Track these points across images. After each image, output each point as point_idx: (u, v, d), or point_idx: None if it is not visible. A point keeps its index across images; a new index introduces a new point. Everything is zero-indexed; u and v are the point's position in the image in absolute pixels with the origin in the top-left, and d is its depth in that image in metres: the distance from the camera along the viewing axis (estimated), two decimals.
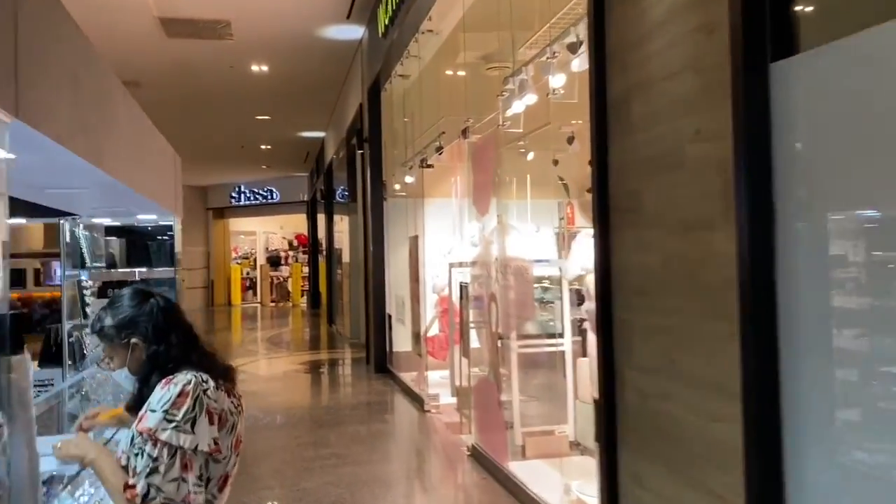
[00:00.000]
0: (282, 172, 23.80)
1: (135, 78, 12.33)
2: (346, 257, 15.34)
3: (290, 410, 7.81)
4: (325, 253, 17.69)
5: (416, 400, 8.00)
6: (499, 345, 5.64)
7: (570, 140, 8.18)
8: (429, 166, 7.80)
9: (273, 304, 26.02)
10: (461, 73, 8.16)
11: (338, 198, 17.89)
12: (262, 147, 18.98)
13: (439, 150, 7.80)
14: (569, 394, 5.95)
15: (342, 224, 16.51)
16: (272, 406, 8.10)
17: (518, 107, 5.48)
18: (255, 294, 27.52)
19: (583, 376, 5.96)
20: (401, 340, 9.69)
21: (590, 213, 7.29)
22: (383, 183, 10.24)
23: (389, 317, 9.94)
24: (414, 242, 8.19)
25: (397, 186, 10.19)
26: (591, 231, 5.18)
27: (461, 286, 6.92)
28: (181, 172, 6.97)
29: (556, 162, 9.67)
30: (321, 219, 21.88)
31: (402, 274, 9.84)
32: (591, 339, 5.06)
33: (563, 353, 5.97)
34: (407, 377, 9.11)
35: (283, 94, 13.69)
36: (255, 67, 12.00)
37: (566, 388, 5.94)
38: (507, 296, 5.33)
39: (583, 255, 5.09)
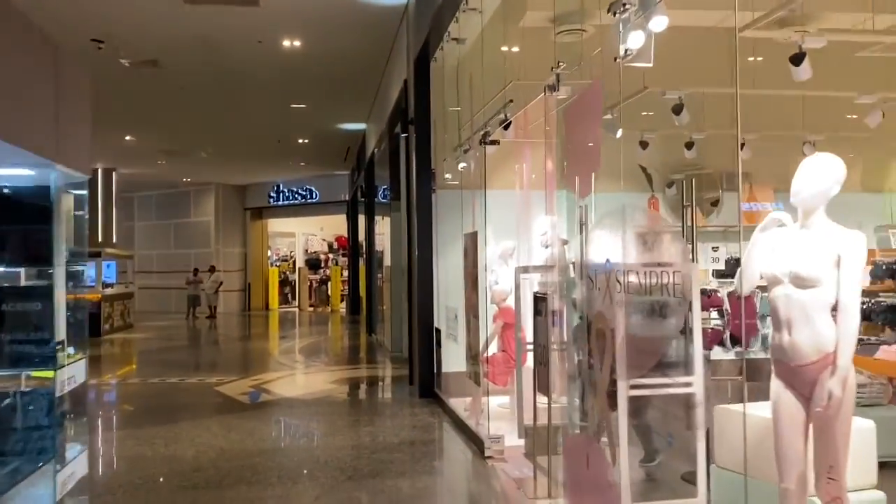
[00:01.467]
0: (321, 171, 22.31)
1: (152, 55, 10.86)
2: (387, 261, 13.70)
3: (314, 451, 6.14)
4: (365, 256, 16.07)
5: (473, 440, 6.26)
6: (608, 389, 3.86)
7: (678, 109, 6.38)
8: (493, 142, 6.07)
9: (311, 309, 24.54)
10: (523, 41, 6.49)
11: (379, 198, 16.28)
12: (300, 141, 17.47)
13: (506, 124, 6.07)
14: (699, 454, 4.14)
15: (383, 225, 14.88)
16: (294, 444, 6.45)
17: (636, 40, 3.72)
18: (293, 298, 26.10)
19: (727, 431, 4.15)
20: (451, 359, 7.96)
21: (680, 209, 5.42)
22: (432, 171, 8.53)
23: (438, 332, 8.21)
24: (472, 241, 6.46)
25: (448, 176, 8.48)
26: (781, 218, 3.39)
27: (536, 297, 5.15)
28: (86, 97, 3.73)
29: (644, 144, 7.90)
30: (362, 220, 20.32)
31: (453, 280, 8.11)
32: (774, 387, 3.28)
33: (690, 396, 4.16)
34: (459, 405, 7.39)
35: (319, 75, 12.10)
36: (286, 42, 10.41)
37: (695, 445, 4.14)
38: (637, 320, 3.55)
39: (776, 256, 3.29)
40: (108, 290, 17.42)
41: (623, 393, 3.97)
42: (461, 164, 7.95)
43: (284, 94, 13.30)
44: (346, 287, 23.57)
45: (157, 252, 25.93)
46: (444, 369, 8.11)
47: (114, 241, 21.68)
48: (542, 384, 4.98)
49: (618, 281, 3.50)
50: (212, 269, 22.43)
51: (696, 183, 5.03)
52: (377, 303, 15.39)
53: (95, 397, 9.03)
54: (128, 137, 16.74)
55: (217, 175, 23.28)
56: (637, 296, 3.48)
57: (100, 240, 20.85)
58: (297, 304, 25.33)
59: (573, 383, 5.07)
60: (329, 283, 24.88)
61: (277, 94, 13.23)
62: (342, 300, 24.08)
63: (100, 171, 21.03)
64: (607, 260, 3.62)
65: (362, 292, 20.94)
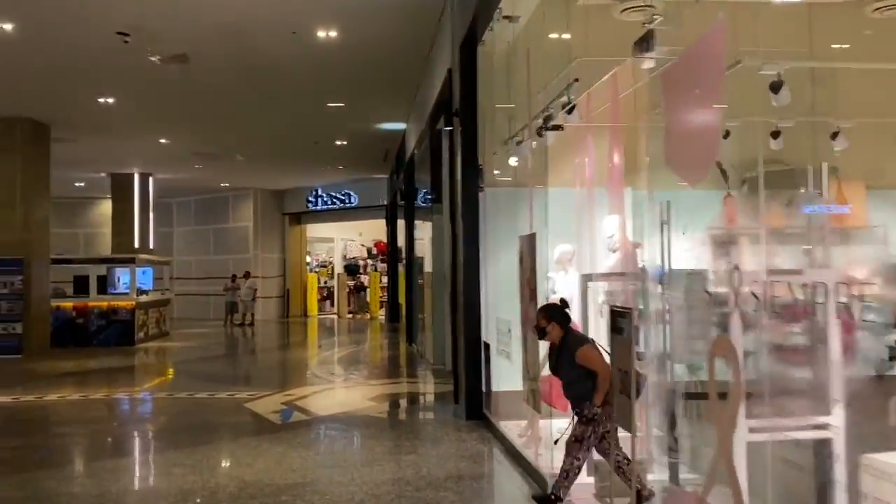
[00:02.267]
0: (360, 174, 21.61)
1: (180, 49, 10.20)
2: (427, 266, 12.87)
3: (349, 486, 5.29)
4: (404, 262, 15.27)
5: (531, 474, 5.36)
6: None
7: (777, 86, 5.39)
8: (555, 127, 5.18)
9: (350, 316, 23.84)
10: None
11: (419, 201, 15.47)
12: (338, 143, 16.75)
13: (569, 107, 5.17)
14: None
15: (424, 229, 14.06)
16: (327, 477, 5.63)
17: None
18: (331, 304, 25.44)
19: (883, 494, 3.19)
20: (503, 377, 7.07)
21: (759, 209, 4.42)
22: (479, 168, 7.66)
23: (487, 346, 7.33)
24: (528, 245, 5.57)
25: (497, 172, 7.61)
26: None
27: (615, 312, 4.23)
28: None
29: (725, 134, 6.89)
30: (401, 225, 19.54)
31: (505, 289, 7.22)
32: None
33: (827, 442, 3.22)
34: (512, 429, 6.51)
35: (356, 69, 11.34)
36: (321, 33, 9.66)
37: None
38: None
39: None
40: (143, 298, 16.89)
41: (742, 435, 3.06)
42: (512, 159, 7.08)
43: (320, 92, 12.58)
44: (386, 294, 22.82)
45: (195, 258, 25.53)
46: (495, 388, 7.21)
47: (151, 246, 21.26)
48: (623, 417, 4.07)
49: (754, 295, 2.58)
50: (247, 276, 21.82)
51: (774, 179, 4.09)
52: (417, 311, 14.56)
53: (117, 414, 8.34)
54: (162, 140, 16.22)
55: (255, 180, 22.75)
56: (777, 313, 2.59)
57: (136, 245, 20.44)
58: (335, 310, 24.65)
59: (666, 415, 4.16)
60: (368, 290, 24.14)
61: (313, 91, 12.52)
62: (381, 307, 23.35)
63: (136, 175, 20.64)
64: (735, 267, 2.70)
65: (401, 299, 20.18)
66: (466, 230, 7.67)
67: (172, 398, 9.32)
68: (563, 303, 4.85)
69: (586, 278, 5.25)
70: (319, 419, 7.77)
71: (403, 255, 15.21)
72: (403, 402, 8.94)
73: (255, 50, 10.44)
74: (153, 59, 10.43)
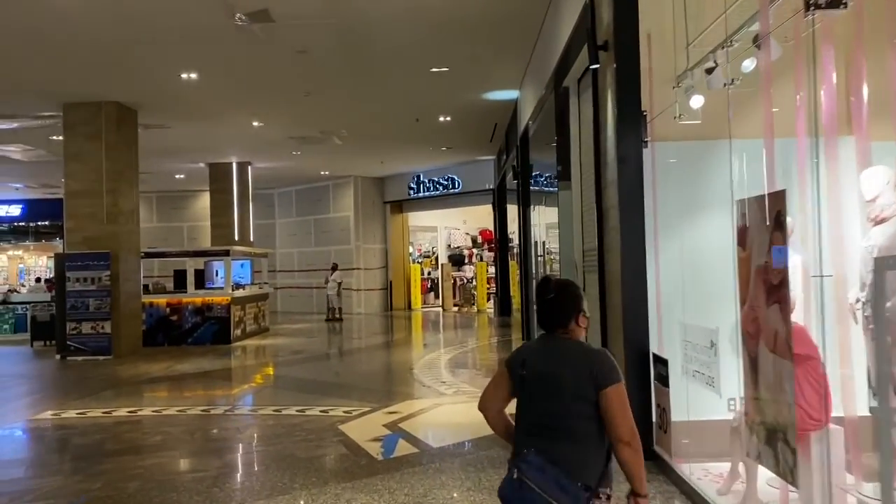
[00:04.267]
0: (464, 156, 19.68)
1: (263, 3, 8.52)
2: (550, 254, 10.81)
3: None
4: (520, 250, 13.20)
5: None
6: None
7: None
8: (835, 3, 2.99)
9: (456, 310, 22.01)
10: None
11: (537, 182, 13.39)
12: (441, 119, 14.86)
13: None
14: None
15: (543, 214, 11.99)
16: None
17: None
18: (436, 297, 23.73)
19: None
20: (691, 403, 4.92)
21: None
22: (643, 114, 5.51)
23: (661, 362, 5.17)
24: (763, 209, 3.41)
25: (679, 116, 5.43)
26: None
27: None
28: None
29: None
30: (510, 210, 17.49)
31: (689, 280, 5.09)
32: None
33: None
34: (701, 476, 4.40)
35: (463, 26, 9.39)
36: None
37: None
38: None
39: None
40: (239, 292, 15.62)
41: None
42: (696, 98, 4.93)
43: (423, 55, 10.70)
44: (493, 285, 20.86)
45: (297, 250, 24.42)
46: (676, 417, 5.06)
47: (251, 238, 20.16)
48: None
49: None
50: (333, 268, 20.29)
51: None
52: (534, 304, 12.48)
53: (195, 438, 6.72)
54: (255, 123, 14.81)
55: (355, 167, 21.25)
56: None
57: (236, 238, 19.36)
58: (440, 303, 22.90)
59: None
60: (474, 281, 22.24)
61: (414, 55, 10.65)
62: (489, 299, 21.40)
63: (234, 165, 19.53)
64: None
65: (513, 292, 18.14)
66: (625, 200, 5.53)
67: (257, 416, 7.67)
68: None
69: (885, 264, 3.02)
70: (432, 454, 5.84)
71: (520, 241, 13.13)
72: None
73: (349, 5, 8.66)
74: (237, 17, 8.82)
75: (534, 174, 13.23)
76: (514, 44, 10.38)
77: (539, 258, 11.31)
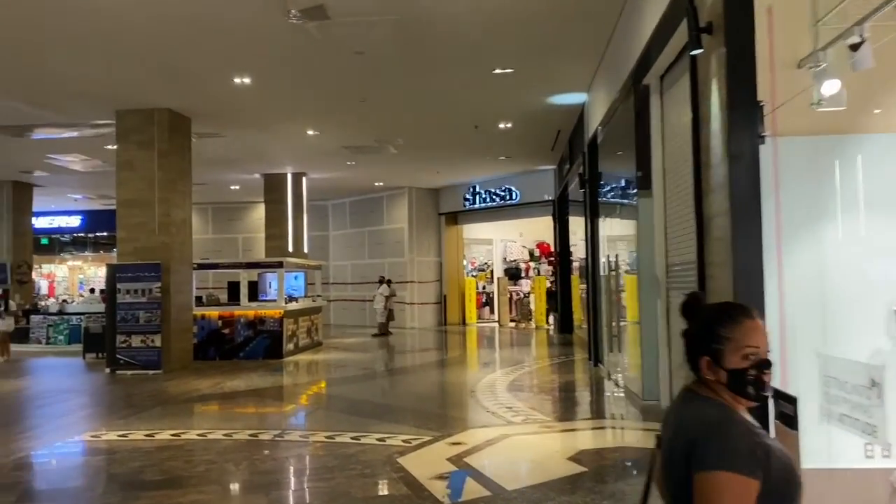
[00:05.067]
0: (523, 166, 18.87)
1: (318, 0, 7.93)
2: (622, 266, 9.92)
3: None
4: (588, 264, 12.29)
5: None
6: None
7: None
8: None
9: (513, 325, 21.14)
10: None
11: (606, 192, 12.50)
12: (501, 126, 14.11)
13: None
14: None
15: (608, 227, 11.09)
16: None
17: None
18: (491, 311, 22.90)
19: None
20: (817, 446, 4.02)
21: None
22: (759, 105, 4.64)
23: (786, 398, 4.27)
24: None
25: (817, 104, 4.56)
26: None
27: None
28: None
29: None
30: (573, 222, 16.60)
31: (825, 301, 4.21)
32: None
33: None
34: None
35: (530, 23, 8.65)
36: None
37: None
38: None
39: None
40: (293, 305, 15.09)
41: None
42: (829, 84, 4.07)
43: (486, 55, 9.97)
44: (553, 300, 19.92)
45: (351, 262, 23.93)
46: (809, 464, 4.15)
47: (305, 250, 19.71)
48: None
49: None
50: (381, 281, 19.66)
51: None
52: (603, 322, 11.58)
53: (241, 468, 6.06)
54: (309, 131, 14.31)
55: (410, 177, 20.65)
56: None
57: (290, 249, 18.93)
58: (496, 318, 22.06)
59: None
60: (532, 296, 21.34)
61: (477, 55, 9.93)
62: (547, 314, 20.47)
63: (289, 175, 19.14)
64: None
65: (575, 307, 17.20)
66: (737, 206, 4.66)
67: (309, 443, 6.98)
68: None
69: None
70: (507, 498, 5.02)
71: (588, 255, 12.23)
72: (622, 467, 6.00)
73: (410, 0, 8.03)
74: (291, 14, 8.25)
75: (604, 180, 12.34)
76: (586, 42, 9.58)
77: (613, 272, 10.40)
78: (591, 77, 11.27)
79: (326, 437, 6.97)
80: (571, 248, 17.43)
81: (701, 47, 5.21)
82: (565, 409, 8.87)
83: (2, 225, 19.28)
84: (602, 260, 11.70)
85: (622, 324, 9.85)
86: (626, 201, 9.91)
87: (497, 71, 10.63)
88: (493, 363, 13.66)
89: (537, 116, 13.43)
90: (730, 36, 4.76)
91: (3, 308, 16.17)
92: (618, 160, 10.31)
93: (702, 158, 5.44)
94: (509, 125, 14.07)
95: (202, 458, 6.29)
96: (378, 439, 6.80)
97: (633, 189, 8.94)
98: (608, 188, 11.41)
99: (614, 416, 8.27)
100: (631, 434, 6.99)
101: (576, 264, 16.55)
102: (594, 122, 11.45)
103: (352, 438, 6.86)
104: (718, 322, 1.93)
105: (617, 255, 10.24)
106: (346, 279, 23.95)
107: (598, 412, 8.59)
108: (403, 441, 6.68)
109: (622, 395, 9.03)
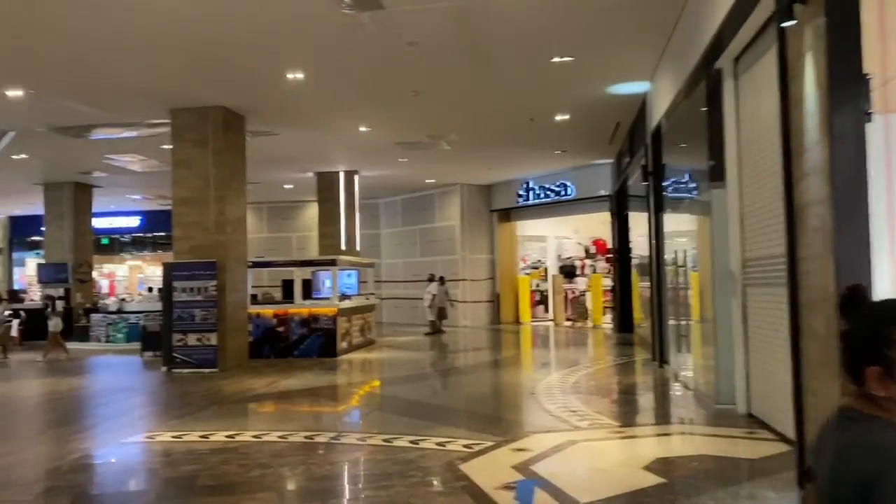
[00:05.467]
0: (579, 160, 18.33)
1: None
2: (685, 263, 9.38)
3: None
4: (653, 261, 11.75)
5: None
6: None
7: None
8: None
9: (569, 325, 20.61)
10: None
11: (668, 189, 11.95)
12: (558, 118, 13.66)
13: None
14: None
15: (678, 221, 10.54)
16: None
17: None
18: (545, 310, 22.40)
19: None
20: None
21: None
22: (866, 78, 4.15)
23: None
24: None
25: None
26: None
27: None
28: None
29: None
30: (635, 217, 16.00)
31: None
32: None
33: None
34: None
35: (593, 7, 8.20)
36: None
37: None
38: None
39: None
40: (346, 304, 14.92)
41: None
42: None
43: (545, 43, 9.56)
44: (610, 298, 19.34)
45: (402, 260, 23.73)
46: None
47: (357, 248, 19.57)
48: None
49: None
50: (430, 279, 19.36)
51: None
52: (668, 321, 11.04)
53: (296, 473, 5.82)
54: (362, 128, 14.10)
55: (461, 174, 20.31)
56: None
57: (343, 248, 18.81)
58: (551, 317, 21.55)
59: None
60: (588, 294, 20.77)
61: (535, 41, 9.53)
62: (605, 313, 19.89)
63: (341, 174, 19.02)
64: None
65: (636, 305, 16.60)
66: (840, 192, 4.17)
67: (366, 446, 6.69)
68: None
69: None
70: None
71: (653, 251, 11.68)
72: (704, 478, 5.53)
73: None
74: (343, 3, 8.00)
75: (667, 174, 11.77)
76: (650, 27, 9.08)
77: (680, 268, 9.87)
78: (654, 65, 10.74)
79: (384, 441, 6.68)
80: (631, 245, 16.83)
81: (793, 18, 4.72)
82: (633, 412, 8.40)
83: (63, 225, 19.66)
84: (667, 256, 11.15)
85: (691, 323, 9.33)
86: (691, 195, 9.40)
87: (556, 60, 10.20)
88: (552, 363, 13.23)
89: (596, 107, 12.93)
90: (830, 2, 4.27)
91: (50, 308, 16.37)
92: (684, 152, 9.79)
93: (792, 143, 4.94)
94: (566, 117, 13.60)
95: (257, 461, 6.07)
96: (437, 443, 6.47)
97: (700, 182, 8.43)
98: (672, 182, 10.88)
99: (686, 421, 7.77)
100: (707, 441, 6.50)
101: (636, 261, 15.96)
102: (658, 111, 10.91)
103: (410, 442, 6.55)
104: (894, 322, 1.52)
105: (685, 251, 9.71)
106: (398, 277, 23.76)
107: (668, 416, 8.10)
108: (464, 446, 6.34)
109: (692, 398, 8.51)
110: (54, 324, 14.75)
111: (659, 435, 6.91)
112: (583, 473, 5.65)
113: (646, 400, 9.23)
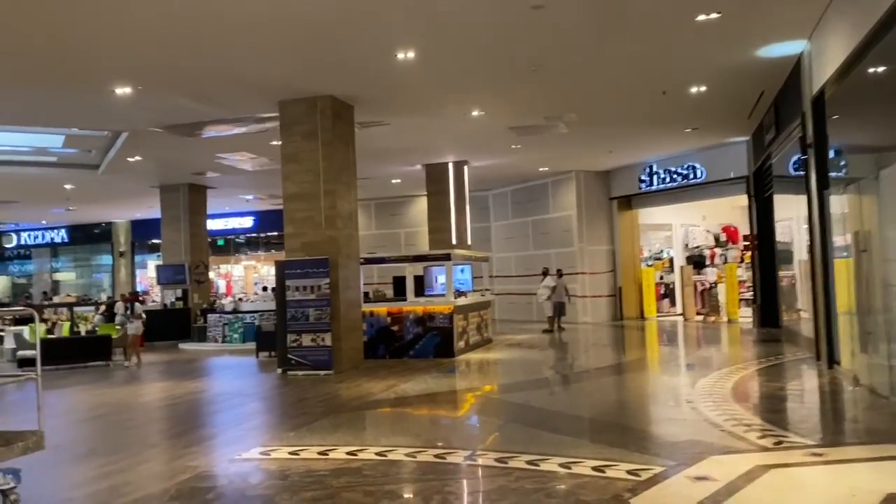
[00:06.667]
0: (711, 139, 16.64)
1: None
2: (868, 247, 7.82)
3: None
4: (816, 247, 10.11)
5: None
6: None
7: None
8: None
9: (700, 319, 18.90)
10: None
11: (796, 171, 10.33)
12: (693, 90, 12.19)
13: None
14: None
15: (842, 202, 8.96)
16: None
17: None
18: (671, 304, 20.74)
19: None
20: None
21: None
22: None
23: None
24: None
25: None
26: None
27: None
28: None
29: None
30: (781, 200, 14.28)
31: None
32: None
33: None
34: None
35: None
36: None
37: None
38: None
39: None
40: (462, 300, 14.03)
41: None
42: None
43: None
44: (749, 290, 17.53)
45: (514, 254, 22.65)
46: None
47: (468, 242, 18.68)
48: None
49: None
50: (544, 273, 18.16)
51: None
52: (839, 313, 9.44)
53: (418, 502, 4.90)
54: (475, 112, 13.14)
55: (578, 160, 18.99)
56: None
57: (453, 242, 17.97)
58: (680, 311, 19.88)
59: None
60: (720, 286, 18.98)
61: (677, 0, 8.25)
62: (741, 305, 18.08)
63: (450, 165, 18.18)
64: None
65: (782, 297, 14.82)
66: None
67: (509, 470, 5.66)
68: None
69: None
70: None
71: (818, 238, 10.04)
72: None
73: None
74: None
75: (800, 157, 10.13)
76: None
77: (863, 252, 8.29)
78: (816, 19, 9.17)
79: (528, 463, 5.65)
80: (776, 231, 15.04)
81: None
82: (824, 427, 6.97)
83: (180, 227, 19.86)
84: (836, 240, 9.55)
85: (880, 318, 7.77)
86: (841, 176, 7.84)
87: (700, 18, 8.84)
88: (700, 365, 11.79)
89: (738, 75, 11.40)
90: None
91: (129, 312, 16.17)
92: (862, 121, 8.23)
93: None
94: (703, 89, 12.10)
95: (384, 488, 5.19)
96: (594, 468, 5.38)
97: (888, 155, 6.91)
98: (841, 157, 9.30)
99: (883, 437, 6.29)
100: None
101: (785, 248, 14.19)
102: (822, 74, 9.32)
103: (560, 466, 5.49)
104: None
105: (868, 232, 8.14)
106: (510, 272, 22.71)
107: (873, 433, 6.62)
108: (628, 472, 5.22)
109: (886, 407, 7.00)
110: (135, 327, 14.47)
111: (873, 459, 5.52)
112: None
113: (831, 409, 7.75)
